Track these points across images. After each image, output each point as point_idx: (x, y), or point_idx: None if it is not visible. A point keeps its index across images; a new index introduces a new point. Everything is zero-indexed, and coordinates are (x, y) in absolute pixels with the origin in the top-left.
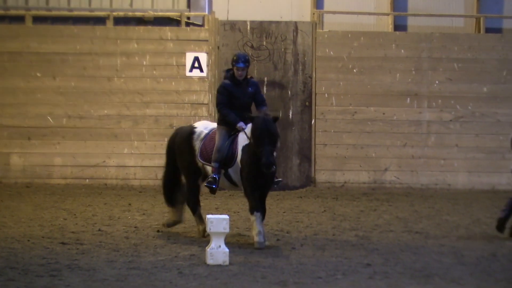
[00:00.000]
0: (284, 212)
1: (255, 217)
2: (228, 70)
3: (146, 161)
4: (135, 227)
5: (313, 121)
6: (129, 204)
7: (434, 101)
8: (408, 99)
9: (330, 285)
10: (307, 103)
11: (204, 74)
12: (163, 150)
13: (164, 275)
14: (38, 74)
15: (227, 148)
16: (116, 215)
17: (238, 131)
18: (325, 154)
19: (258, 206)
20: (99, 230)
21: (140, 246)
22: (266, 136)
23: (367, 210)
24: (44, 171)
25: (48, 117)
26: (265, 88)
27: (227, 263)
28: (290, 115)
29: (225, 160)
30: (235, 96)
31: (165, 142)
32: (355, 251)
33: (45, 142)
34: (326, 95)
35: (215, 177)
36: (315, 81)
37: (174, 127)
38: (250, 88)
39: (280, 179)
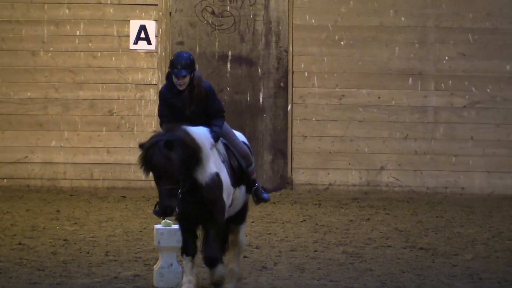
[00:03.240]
0: (252, 222)
1: (184, 262)
2: (169, 73)
3: (79, 156)
4: (65, 240)
5: (289, 107)
6: (58, 211)
7: (443, 82)
8: (410, 79)
9: None
10: (282, 84)
11: (152, 47)
12: (100, 143)
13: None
14: None
15: None
16: (41, 224)
17: None
18: (305, 149)
19: (186, 246)
20: (20, 243)
21: (71, 264)
22: (155, 173)
23: (358, 219)
24: None
25: None
26: (229, 65)
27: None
28: (261, 99)
29: None
30: (176, 107)
31: (102, 132)
32: (343, 272)
33: None
34: (306, 74)
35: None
36: (292, 56)
37: (114, 114)
38: (197, 100)
39: (267, 196)
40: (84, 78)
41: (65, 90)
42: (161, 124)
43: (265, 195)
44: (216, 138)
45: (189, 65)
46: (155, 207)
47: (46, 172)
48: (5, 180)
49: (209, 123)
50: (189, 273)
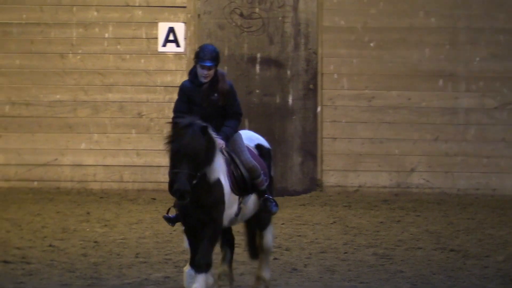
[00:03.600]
0: (282, 224)
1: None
2: (193, 68)
3: (109, 158)
4: (95, 242)
5: (318, 109)
6: (88, 213)
7: (474, 83)
8: (441, 81)
9: None
10: (311, 86)
11: (181, 49)
12: (129, 145)
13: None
14: None
15: None
16: (72, 226)
17: None
18: (335, 151)
19: (198, 261)
20: (50, 245)
21: (101, 265)
22: (181, 153)
23: (389, 221)
24: None
25: None
26: (258, 67)
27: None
28: (290, 101)
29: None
30: (194, 102)
31: (132, 135)
32: (373, 274)
33: None
34: (336, 76)
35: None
36: (322, 58)
37: (144, 116)
38: (215, 95)
39: (274, 209)
40: (113, 80)
41: (94, 92)
42: (174, 119)
43: (273, 208)
44: (225, 138)
45: (215, 58)
46: (167, 213)
47: (76, 174)
48: (35, 182)
49: (223, 123)
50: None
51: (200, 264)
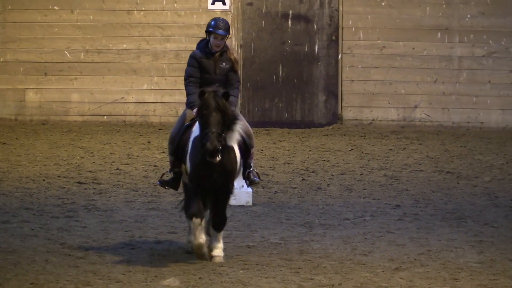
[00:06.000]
0: (309, 151)
1: (192, 224)
2: (201, 41)
3: (166, 97)
4: (155, 166)
5: (339, 56)
6: (149, 142)
7: (465, 35)
8: (439, 33)
9: (358, 227)
10: (333, 38)
11: (226, 7)
12: (183, 86)
13: (184, 216)
14: (56, 8)
15: (179, 138)
16: (135, 153)
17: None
18: (352, 91)
19: (198, 211)
20: (117, 169)
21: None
22: (211, 116)
23: (396, 148)
24: (61, 108)
25: (65, 52)
26: (290, 22)
27: (250, 203)
28: (316, 50)
29: (178, 152)
30: (206, 70)
31: None
32: (384, 192)
33: (62, 78)
34: (353, 29)
35: (168, 175)
36: (342, 14)
37: None
38: (224, 63)
39: (258, 180)
40: (170, 32)
41: (155, 42)
42: (187, 85)
43: (255, 178)
44: (234, 107)
45: (228, 28)
46: (161, 177)
47: (139, 110)
48: (105, 117)
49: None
50: (196, 232)
51: (219, 226)
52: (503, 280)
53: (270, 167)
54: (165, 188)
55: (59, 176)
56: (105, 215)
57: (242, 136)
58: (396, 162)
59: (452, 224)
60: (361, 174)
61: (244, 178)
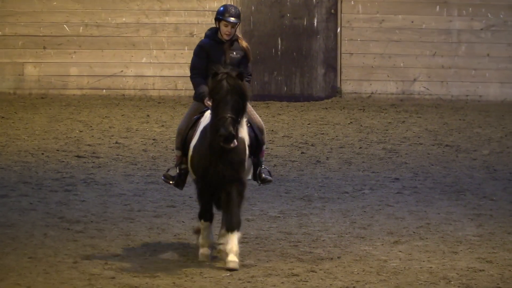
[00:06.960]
0: (308, 124)
1: (202, 226)
2: (210, 29)
3: (165, 70)
4: (154, 140)
5: (338, 30)
6: (148, 116)
7: (464, 9)
8: (438, 7)
9: (357, 200)
10: (332, 11)
11: None
12: (182, 59)
13: (184, 189)
14: None
15: (187, 132)
16: (134, 127)
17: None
18: (351, 64)
19: (206, 211)
20: (116, 142)
21: (159, 159)
22: (225, 100)
23: (395, 122)
24: (60, 82)
25: (64, 26)
26: None
27: (249, 177)
28: (315, 23)
29: (186, 147)
30: (214, 59)
31: (185, 51)
32: (383, 165)
33: (60, 52)
34: (352, 2)
35: (175, 170)
36: None
37: (195, 36)
38: (234, 53)
39: (270, 178)
40: (169, 6)
41: (154, 16)
42: (192, 77)
43: (268, 177)
44: None
45: (239, 16)
46: (167, 171)
47: (138, 84)
48: (104, 90)
49: None
50: (207, 237)
51: (233, 227)
52: (502, 253)
53: (269, 140)
54: (169, 184)
55: (58, 150)
56: (104, 189)
57: (254, 131)
58: (395, 135)
59: (451, 197)
60: (360, 148)
61: (254, 178)
